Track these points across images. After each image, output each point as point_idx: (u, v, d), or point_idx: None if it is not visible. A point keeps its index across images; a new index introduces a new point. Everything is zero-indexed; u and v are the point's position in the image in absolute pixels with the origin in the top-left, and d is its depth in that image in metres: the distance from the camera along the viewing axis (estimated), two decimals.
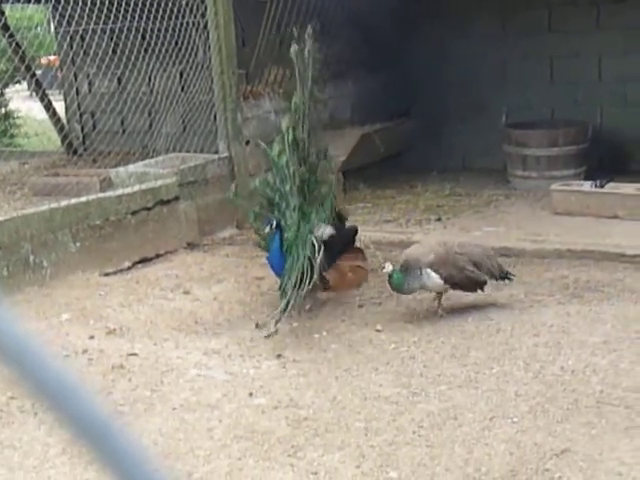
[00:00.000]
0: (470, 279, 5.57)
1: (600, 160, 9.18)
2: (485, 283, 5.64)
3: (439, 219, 8.06)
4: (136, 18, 8.29)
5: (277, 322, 5.41)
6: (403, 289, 5.53)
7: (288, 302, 5.41)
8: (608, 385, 4.45)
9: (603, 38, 9.63)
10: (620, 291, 5.98)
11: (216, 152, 8.18)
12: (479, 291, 5.69)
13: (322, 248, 5.50)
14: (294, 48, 5.98)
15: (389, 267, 5.44)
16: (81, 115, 11.23)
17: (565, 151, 9.21)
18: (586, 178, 8.68)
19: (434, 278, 5.46)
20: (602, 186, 7.98)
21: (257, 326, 5.52)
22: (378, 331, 5.42)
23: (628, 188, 7.94)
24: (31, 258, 6.41)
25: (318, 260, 5.46)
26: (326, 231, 5.60)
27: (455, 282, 5.54)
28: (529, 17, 9.88)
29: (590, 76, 9.76)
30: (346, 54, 9.62)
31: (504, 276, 5.75)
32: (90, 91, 10.93)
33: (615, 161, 9.23)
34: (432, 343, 5.19)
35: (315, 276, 5.46)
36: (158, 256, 7.12)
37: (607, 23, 9.61)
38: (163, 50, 8.63)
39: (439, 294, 5.66)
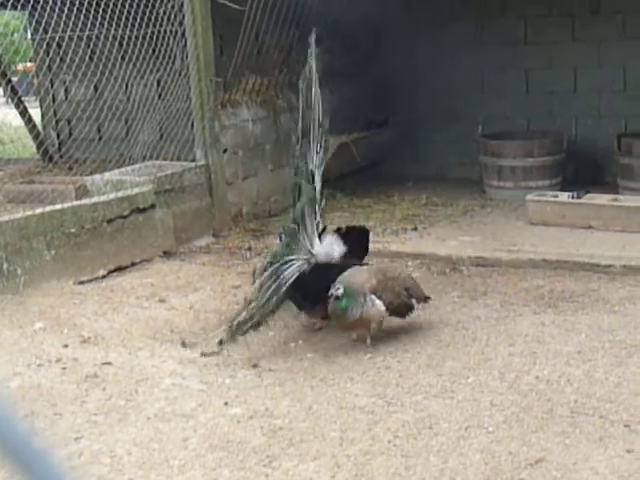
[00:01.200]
0: (405, 305, 5.41)
1: (575, 171, 9.25)
2: (414, 308, 5.49)
3: (415, 228, 8.09)
4: (113, 25, 8.26)
5: (221, 343, 5.26)
6: (346, 315, 5.16)
7: (233, 333, 5.25)
8: (582, 395, 4.48)
9: (578, 50, 9.71)
10: (594, 301, 6.02)
11: (193, 160, 8.16)
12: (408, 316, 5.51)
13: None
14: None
15: (341, 290, 5.09)
16: (57, 122, 11.19)
17: (540, 162, 9.27)
18: (562, 189, 8.74)
19: (378, 305, 5.20)
20: (579, 197, 8.03)
21: (184, 345, 5.36)
22: (354, 340, 5.42)
23: (602, 199, 8.00)
24: (5, 266, 6.37)
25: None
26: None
27: (394, 308, 5.33)
28: (505, 28, 9.95)
29: (565, 87, 9.83)
30: (324, 63, 9.62)
31: (425, 299, 5.61)
32: (66, 98, 10.90)
33: (590, 172, 9.30)
34: (408, 353, 5.20)
35: (263, 321, 5.33)
36: (134, 264, 7.09)
37: (582, 35, 9.69)
38: (140, 58, 8.60)
39: (372, 324, 5.32)
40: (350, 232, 5.85)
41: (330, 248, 5.63)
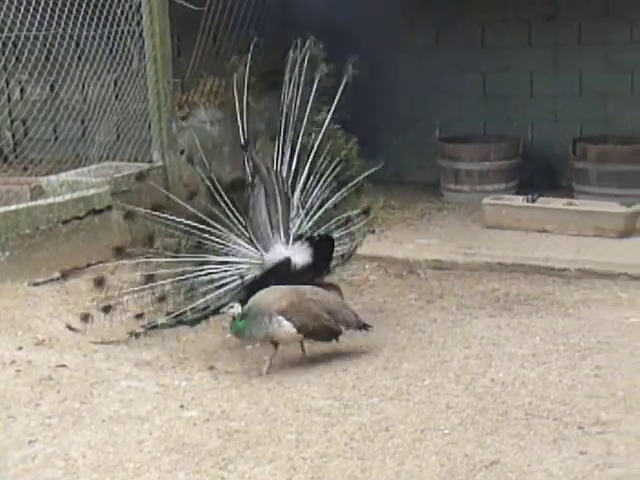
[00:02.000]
0: (326, 328, 5.09)
1: (531, 175, 9.32)
2: (340, 333, 5.17)
3: (372, 231, 8.09)
4: (70, 25, 8.19)
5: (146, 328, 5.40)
6: (244, 335, 5.08)
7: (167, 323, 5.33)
8: (537, 397, 4.52)
9: (534, 54, 9.79)
10: (549, 304, 6.08)
11: (150, 161, 8.11)
12: (334, 341, 5.21)
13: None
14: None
15: (237, 309, 4.98)
16: (12, 122, 11.04)
17: (497, 165, 9.33)
18: (517, 192, 8.81)
19: (286, 327, 4.97)
20: (533, 201, 8.11)
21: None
22: (311, 343, 5.42)
23: (557, 203, 8.08)
24: None
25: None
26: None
27: (310, 331, 5.07)
28: (462, 32, 10.00)
29: (522, 91, 9.90)
30: (282, 65, 9.61)
31: (361, 327, 5.24)
32: (22, 98, 10.76)
33: (545, 176, 9.38)
34: (365, 355, 5.21)
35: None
36: (89, 266, 7.02)
37: (538, 40, 9.77)
38: (97, 58, 8.54)
39: (280, 345, 5.15)
40: (320, 241, 5.53)
41: (290, 256, 5.40)
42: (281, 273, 5.35)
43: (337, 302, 5.29)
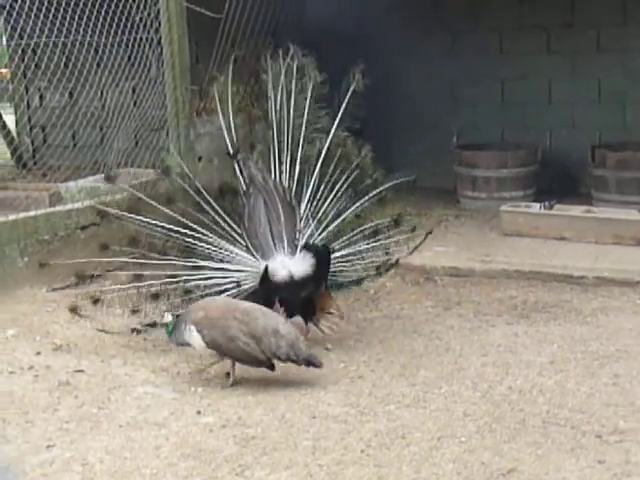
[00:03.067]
0: (244, 352, 4.79)
1: (549, 182, 9.30)
2: (266, 363, 4.82)
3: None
4: (89, 32, 8.23)
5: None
6: (171, 340, 5.10)
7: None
8: (554, 405, 4.50)
9: (553, 61, 9.77)
10: (567, 312, 6.05)
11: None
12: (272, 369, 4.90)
13: None
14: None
15: (167, 317, 5.07)
16: (31, 129, 11.13)
17: (514, 173, 9.32)
18: (535, 200, 8.78)
19: (196, 338, 4.88)
20: (550, 207, 8.09)
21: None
22: (328, 349, 5.42)
23: (575, 210, 8.06)
24: None
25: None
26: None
27: (223, 351, 4.88)
28: (480, 39, 9.99)
29: (540, 98, 9.89)
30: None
31: (307, 363, 4.82)
32: (41, 105, 10.85)
33: (564, 183, 9.35)
34: (381, 362, 5.20)
35: None
36: (107, 272, 7.03)
37: (556, 47, 9.76)
38: (116, 65, 8.58)
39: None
40: (319, 252, 5.36)
41: (291, 266, 5.28)
42: (279, 283, 5.25)
43: (271, 330, 4.79)
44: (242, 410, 4.52)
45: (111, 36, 8.34)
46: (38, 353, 5.42)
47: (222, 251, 5.44)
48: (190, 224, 5.48)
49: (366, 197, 5.79)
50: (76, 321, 5.98)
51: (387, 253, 5.95)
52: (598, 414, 4.37)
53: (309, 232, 5.48)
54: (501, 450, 4.01)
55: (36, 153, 10.62)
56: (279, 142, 5.65)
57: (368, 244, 5.77)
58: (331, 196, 5.64)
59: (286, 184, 5.58)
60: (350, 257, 5.70)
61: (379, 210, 5.95)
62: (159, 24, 8.00)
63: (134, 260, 5.56)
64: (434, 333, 5.71)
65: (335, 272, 5.59)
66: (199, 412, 4.52)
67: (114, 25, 8.24)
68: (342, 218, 5.67)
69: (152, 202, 5.58)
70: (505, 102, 10.13)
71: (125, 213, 5.60)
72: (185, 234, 5.47)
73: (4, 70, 12.82)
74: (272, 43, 9.09)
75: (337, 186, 5.67)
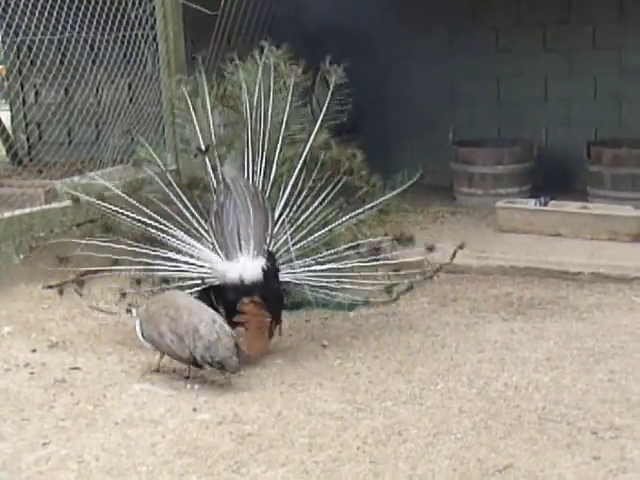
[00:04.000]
0: (170, 349, 4.79)
1: (545, 178, 9.31)
2: (190, 363, 4.79)
3: (385, 234, 8.08)
4: (85, 29, 8.22)
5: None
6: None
7: None
8: (550, 401, 4.50)
9: (549, 59, 9.78)
10: (563, 308, 6.06)
11: (164, 164, 8.11)
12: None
13: None
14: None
15: (133, 312, 5.20)
16: (27, 125, 11.11)
17: (510, 169, 9.33)
18: (531, 196, 8.80)
19: (137, 331, 4.99)
20: (545, 204, 8.10)
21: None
22: (324, 346, 5.42)
23: (571, 206, 8.07)
24: None
25: None
26: None
27: (156, 346, 4.90)
28: (476, 37, 10.00)
29: (536, 96, 9.90)
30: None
31: (220, 366, 4.70)
32: (36, 101, 10.83)
33: (559, 180, 9.37)
34: (378, 359, 5.21)
35: None
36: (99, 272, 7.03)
37: (553, 44, 9.77)
38: (111, 61, 8.57)
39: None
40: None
41: (245, 270, 5.10)
42: (229, 285, 5.13)
43: (191, 329, 4.70)
44: (238, 407, 4.52)
45: (107, 33, 8.33)
46: (34, 350, 5.41)
47: (187, 246, 5.33)
48: (153, 215, 5.40)
49: (359, 210, 5.48)
50: (72, 318, 6.00)
51: (397, 271, 5.56)
52: (594, 410, 4.38)
53: (284, 238, 5.28)
54: (497, 446, 4.01)
55: (32, 150, 10.61)
56: (252, 142, 5.42)
57: (365, 261, 5.44)
58: (315, 203, 5.39)
59: (260, 186, 5.36)
60: (339, 273, 5.37)
61: (380, 227, 5.64)
62: (155, 21, 7.99)
63: (110, 246, 5.51)
64: (430, 330, 5.71)
65: (316, 287, 5.32)
66: (195, 409, 4.51)
67: (110, 22, 8.23)
68: (328, 229, 5.39)
69: (116, 190, 5.54)
70: (501, 99, 10.14)
71: (94, 200, 5.55)
72: (149, 224, 5.39)
73: None
74: (268, 39, 9.10)
75: (323, 193, 5.41)
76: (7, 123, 11.49)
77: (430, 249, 5.60)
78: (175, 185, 5.46)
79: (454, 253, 5.69)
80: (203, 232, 5.35)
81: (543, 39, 9.84)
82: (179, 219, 5.40)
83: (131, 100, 9.01)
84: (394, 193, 5.63)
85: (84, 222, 6.75)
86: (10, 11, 8.12)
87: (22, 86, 10.78)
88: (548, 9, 9.72)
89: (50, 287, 6.53)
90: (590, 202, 8.50)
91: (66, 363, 5.19)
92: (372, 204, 5.52)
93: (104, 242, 5.53)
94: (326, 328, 5.76)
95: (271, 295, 5.15)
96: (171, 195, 5.46)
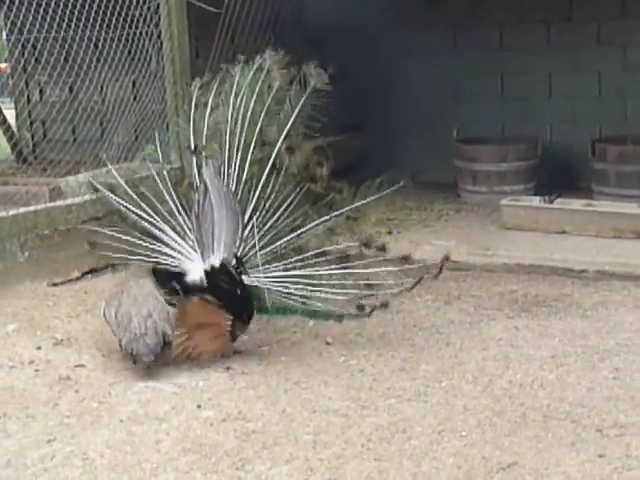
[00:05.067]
0: (114, 333, 5.05)
1: (550, 176, 9.30)
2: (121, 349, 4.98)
3: (390, 232, 8.09)
4: (89, 27, 8.23)
5: None
6: None
7: None
8: (555, 399, 4.50)
9: (553, 56, 9.77)
10: (568, 306, 6.05)
11: (168, 162, 8.12)
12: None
13: None
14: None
15: None
16: (32, 123, 11.13)
17: (515, 166, 9.32)
18: (536, 193, 8.79)
19: (100, 308, 5.24)
20: (551, 202, 8.09)
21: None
22: (328, 344, 5.42)
23: (576, 204, 8.06)
24: None
25: None
26: None
27: (109, 325, 5.11)
28: (480, 34, 9.99)
29: (540, 93, 9.89)
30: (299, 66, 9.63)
31: (133, 360, 4.92)
32: (41, 99, 10.84)
33: (564, 177, 9.35)
34: (382, 356, 5.21)
35: None
36: (107, 267, 7.04)
37: (557, 41, 9.76)
38: (116, 59, 8.58)
39: None
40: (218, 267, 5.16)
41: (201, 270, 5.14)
42: (190, 285, 5.15)
43: (126, 320, 4.90)
44: (242, 404, 4.53)
45: (111, 31, 8.34)
46: (39, 348, 5.42)
47: (173, 242, 5.32)
48: (147, 208, 5.42)
49: (325, 217, 5.33)
50: (77, 315, 6.01)
51: (369, 286, 5.34)
52: (599, 408, 4.37)
53: (251, 243, 5.22)
54: (502, 444, 4.01)
55: (36, 148, 10.63)
56: (230, 143, 5.34)
57: (332, 270, 5.27)
58: (282, 208, 5.30)
59: (233, 188, 5.29)
60: (310, 280, 5.23)
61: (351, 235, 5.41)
62: (159, 18, 8.00)
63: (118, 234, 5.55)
64: (434, 327, 5.71)
65: (289, 293, 5.21)
66: (199, 406, 4.52)
67: (114, 19, 8.24)
68: (296, 235, 5.28)
69: (122, 183, 5.59)
70: (505, 97, 10.13)
71: (107, 191, 5.63)
72: (142, 217, 5.41)
73: (4, 65, 12.82)
74: (272, 38, 9.10)
75: (289, 199, 5.31)
76: (12, 121, 11.51)
77: (405, 259, 5.40)
78: (169, 183, 5.46)
79: (440, 267, 5.54)
80: (187, 230, 5.32)
81: (547, 36, 9.83)
82: (168, 215, 5.39)
83: (135, 98, 9.02)
84: (362, 202, 5.40)
85: (88, 220, 6.78)
86: (15, 9, 8.13)
87: (27, 84, 10.80)
88: (551, 6, 9.71)
89: (55, 285, 6.57)
90: (595, 199, 8.49)
91: (71, 360, 5.20)
92: (338, 212, 5.34)
93: (118, 234, 5.54)
94: (330, 326, 5.75)
95: (229, 297, 5.13)
96: (163, 192, 5.46)
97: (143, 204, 5.46)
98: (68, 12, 8.05)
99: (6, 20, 10.05)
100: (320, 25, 9.26)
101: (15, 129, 11.48)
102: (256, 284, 5.21)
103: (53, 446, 4.11)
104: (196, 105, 5.60)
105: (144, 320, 4.88)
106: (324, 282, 5.22)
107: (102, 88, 9.46)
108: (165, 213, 5.41)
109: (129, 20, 8.31)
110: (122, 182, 5.63)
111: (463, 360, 5.10)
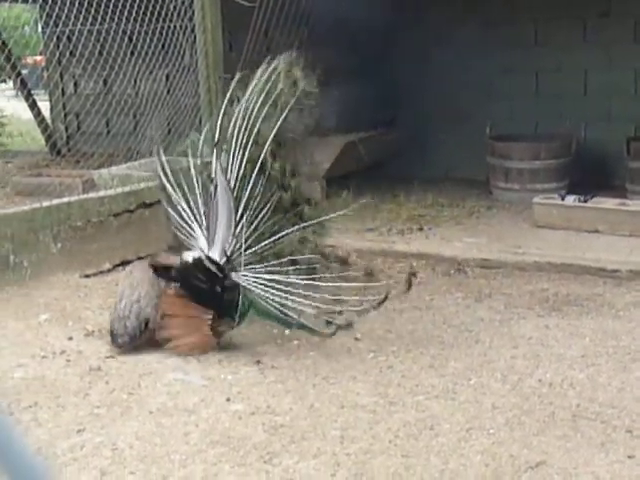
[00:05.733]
0: None
1: (583, 174, 9.23)
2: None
3: (421, 229, 8.09)
4: (123, 20, 8.28)
5: None
6: None
7: None
8: (585, 399, 4.47)
9: (588, 52, 9.69)
10: (599, 305, 6.01)
11: (201, 156, 8.15)
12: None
13: None
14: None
15: None
16: (66, 116, 11.21)
17: (548, 164, 9.26)
18: (569, 192, 8.73)
19: None
20: (586, 201, 8.03)
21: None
22: (357, 339, 5.42)
23: (609, 203, 7.99)
24: (11, 258, 6.39)
25: None
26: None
27: None
28: (515, 30, 9.94)
29: (575, 90, 9.82)
30: (333, 62, 9.64)
31: (111, 339, 5.24)
32: (75, 92, 10.92)
33: (598, 175, 9.28)
34: (411, 353, 5.20)
35: None
36: (139, 258, 7.09)
37: (593, 38, 9.67)
38: (150, 53, 8.61)
39: None
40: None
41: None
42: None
43: (118, 299, 5.26)
44: (271, 398, 4.54)
45: (145, 24, 8.38)
46: (70, 338, 5.47)
47: (195, 232, 5.38)
48: (179, 199, 5.46)
49: (294, 227, 5.30)
50: (108, 307, 6.04)
51: (336, 301, 5.21)
52: (629, 409, 4.34)
53: (240, 241, 5.23)
54: (530, 443, 3.99)
55: (70, 140, 10.71)
56: (236, 143, 5.38)
57: (301, 279, 5.17)
58: (264, 211, 5.30)
59: (232, 185, 5.31)
60: (282, 286, 5.17)
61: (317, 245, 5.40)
62: (193, 12, 8.02)
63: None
64: (464, 325, 5.69)
65: (267, 297, 5.17)
66: (228, 399, 4.54)
67: (148, 13, 8.28)
68: (273, 240, 5.26)
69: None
70: (540, 93, 10.06)
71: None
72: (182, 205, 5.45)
73: (39, 57, 12.92)
74: (305, 31, 9.11)
75: (269, 202, 5.31)
76: (46, 113, 11.60)
77: (369, 275, 5.36)
78: (198, 176, 5.49)
79: (409, 283, 5.50)
80: (203, 220, 5.37)
81: (583, 32, 9.75)
82: (194, 205, 5.43)
83: (169, 91, 9.06)
84: (324, 218, 5.40)
85: (121, 212, 6.82)
86: (50, 1, 8.19)
87: (61, 76, 10.88)
88: (588, 2, 9.63)
89: (87, 276, 6.62)
90: (629, 199, 8.41)
91: (102, 352, 5.23)
92: (307, 223, 5.35)
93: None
94: (359, 322, 5.75)
95: (203, 292, 5.17)
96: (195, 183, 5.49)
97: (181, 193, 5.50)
98: (103, 5, 8.11)
99: (42, 13, 10.14)
100: (354, 20, 9.24)
101: (49, 121, 11.58)
102: (242, 283, 5.20)
103: (83, 436, 4.14)
104: (230, 100, 5.61)
105: (131, 304, 5.19)
106: (294, 291, 5.16)
107: (136, 81, 9.51)
108: (196, 205, 5.45)
109: (163, 13, 8.34)
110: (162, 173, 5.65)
111: (492, 358, 5.08)
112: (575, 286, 6.46)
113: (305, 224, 5.33)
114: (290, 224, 5.33)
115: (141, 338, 5.18)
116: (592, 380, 4.73)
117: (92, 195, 7.27)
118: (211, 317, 5.17)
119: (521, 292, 6.36)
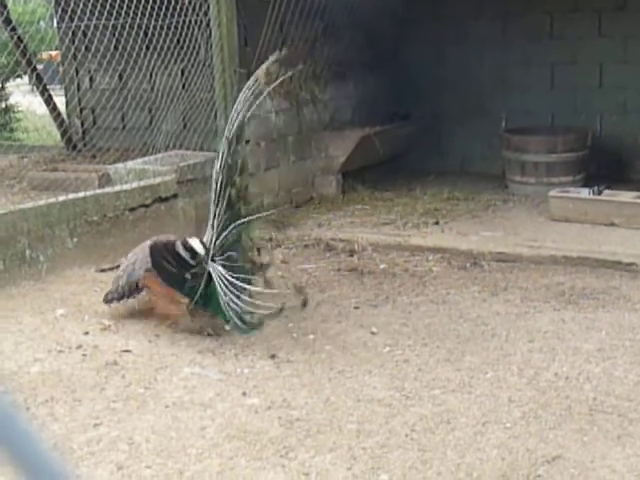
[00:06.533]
0: None
1: (599, 167, 9.19)
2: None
3: (437, 222, 8.07)
4: (139, 15, 8.28)
5: None
6: None
7: None
8: (601, 393, 4.46)
9: (604, 45, 9.64)
10: (615, 299, 5.99)
11: (216, 151, 8.17)
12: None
13: None
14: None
15: None
16: (81, 110, 11.22)
17: (564, 158, 9.22)
18: (584, 185, 8.69)
19: None
20: (600, 193, 7.99)
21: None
22: (373, 333, 5.42)
23: (625, 196, 7.96)
24: (27, 252, 6.41)
25: None
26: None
27: None
28: (530, 22, 9.89)
29: (591, 83, 9.77)
30: (348, 55, 9.62)
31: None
32: (91, 87, 10.93)
33: (614, 169, 9.24)
34: (427, 347, 5.20)
35: None
36: None
37: (608, 30, 9.62)
38: (165, 47, 8.62)
39: None
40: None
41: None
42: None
43: (125, 260, 5.79)
44: (287, 392, 4.55)
45: (160, 19, 8.38)
46: (86, 333, 5.49)
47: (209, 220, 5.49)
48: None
49: (231, 226, 5.39)
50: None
51: (251, 304, 5.25)
52: None
53: (215, 232, 5.39)
54: (546, 437, 3.98)
55: (86, 135, 10.71)
56: (229, 142, 5.47)
57: (235, 277, 5.25)
58: (224, 204, 5.39)
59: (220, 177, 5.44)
60: (224, 282, 5.26)
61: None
62: (208, 6, 8.02)
63: None
64: (480, 318, 5.68)
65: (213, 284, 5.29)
66: (244, 393, 4.55)
67: (163, 8, 8.28)
68: (226, 233, 5.37)
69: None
70: (555, 86, 10.02)
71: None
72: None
73: (55, 52, 12.95)
74: (320, 25, 9.09)
75: (226, 197, 5.40)
76: (62, 108, 11.62)
77: (299, 291, 5.47)
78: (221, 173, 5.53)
79: (304, 301, 5.45)
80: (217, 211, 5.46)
81: (598, 25, 9.70)
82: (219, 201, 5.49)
83: (184, 86, 9.07)
84: (245, 220, 5.42)
85: (137, 207, 6.84)
86: None
87: (77, 71, 10.89)
88: None
89: (103, 270, 6.65)
90: None
91: (118, 346, 5.25)
92: (237, 222, 5.41)
93: None
94: (375, 315, 5.76)
95: (171, 275, 5.44)
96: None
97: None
98: (118, 0, 8.11)
99: (57, 7, 10.15)
100: (370, 12, 9.22)
101: (65, 116, 11.60)
102: (213, 273, 5.31)
103: (99, 430, 4.16)
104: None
105: (126, 266, 5.72)
106: (223, 286, 5.24)
107: (151, 76, 9.52)
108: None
109: (178, 8, 8.35)
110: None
111: (508, 352, 5.08)
112: (591, 279, 6.44)
113: (237, 222, 5.41)
114: (234, 220, 5.42)
115: (130, 298, 5.67)
116: (608, 373, 4.71)
117: (108, 190, 7.29)
118: (186, 300, 5.35)
119: (537, 286, 6.35)
